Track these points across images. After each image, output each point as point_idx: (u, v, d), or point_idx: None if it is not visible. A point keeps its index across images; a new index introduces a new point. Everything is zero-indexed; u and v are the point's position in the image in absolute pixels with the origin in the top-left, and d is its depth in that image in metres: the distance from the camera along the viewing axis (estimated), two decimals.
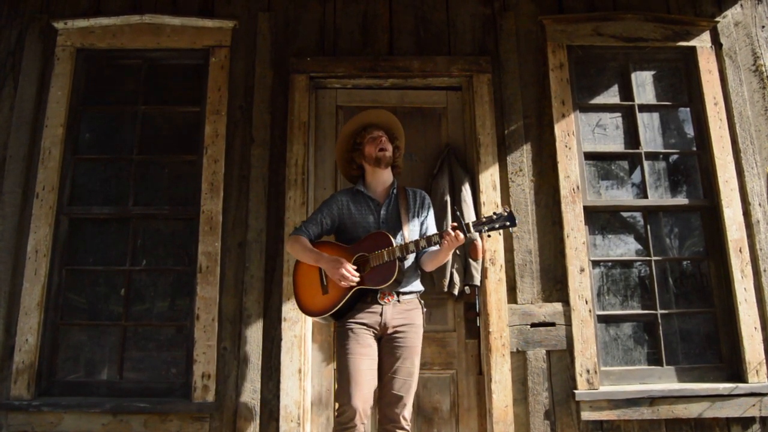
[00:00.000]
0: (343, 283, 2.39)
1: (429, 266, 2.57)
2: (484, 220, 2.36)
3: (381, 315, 2.46)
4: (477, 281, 3.02)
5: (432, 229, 2.67)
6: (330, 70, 3.30)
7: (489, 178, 3.16)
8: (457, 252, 3.03)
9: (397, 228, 2.56)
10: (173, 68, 3.43)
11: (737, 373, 3.03)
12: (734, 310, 3.05)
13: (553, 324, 3.01)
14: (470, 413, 3.06)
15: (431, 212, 2.71)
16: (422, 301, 2.60)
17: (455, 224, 2.34)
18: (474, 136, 3.23)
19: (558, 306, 3.03)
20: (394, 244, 2.41)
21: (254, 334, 2.99)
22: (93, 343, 3.12)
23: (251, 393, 2.93)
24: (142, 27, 3.34)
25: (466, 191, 3.11)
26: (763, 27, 3.44)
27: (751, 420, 2.93)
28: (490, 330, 2.97)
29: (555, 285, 3.07)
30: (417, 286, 2.60)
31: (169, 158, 3.31)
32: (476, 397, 3.07)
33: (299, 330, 2.97)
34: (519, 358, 2.98)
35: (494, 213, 2.34)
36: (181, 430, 2.87)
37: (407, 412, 2.42)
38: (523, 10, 3.42)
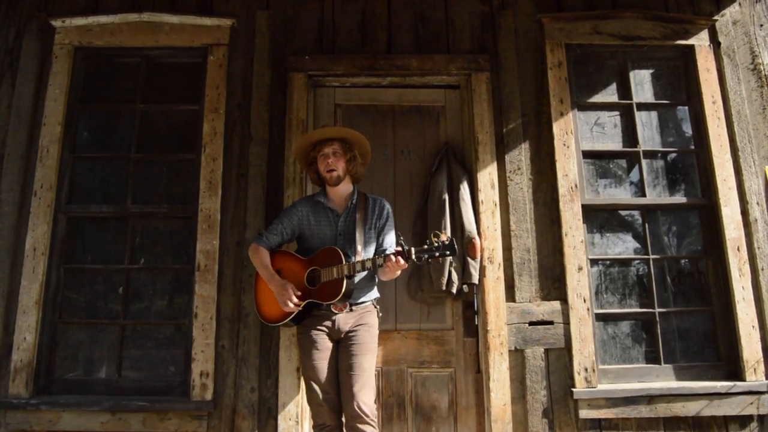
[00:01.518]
0: (285, 308, 2.50)
1: (383, 278, 2.63)
2: (425, 248, 2.39)
3: (333, 322, 2.56)
4: (475, 280, 3.02)
5: (389, 239, 2.70)
6: (328, 68, 3.30)
7: (487, 176, 3.16)
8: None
9: (352, 239, 2.61)
10: (171, 66, 3.42)
11: (735, 372, 3.03)
12: (732, 309, 3.06)
13: (551, 322, 3.01)
14: (468, 411, 3.06)
15: (390, 222, 2.73)
16: (378, 306, 2.69)
17: (399, 249, 2.39)
18: (472, 135, 3.23)
19: (556, 304, 3.03)
20: (343, 262, 2.47)
21: (252, 333, 2.99)
22: (91, 342, 3.12)
23: (249, 391, 2.93)
24: (141, 25, 3.33)
25: (465, 190, 3.11)
26: (761, 26, 3.45)
27: (749, 418, 2.94)
28: (489, 328, 2.98)
29: (553, 283, 3.07)
30: (371, 295, 2.68)
31: (168, 156, 3.31)
32: (474, 396, 3.07)
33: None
34: (517, 356, 2.98)
35: (437, 241, 2.37)
36: (179, 428, 2.87)
37: (366, 407, 2.42)
38: (521, 8, 3.41)
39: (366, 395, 2.45)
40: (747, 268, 3.08)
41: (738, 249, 3.10)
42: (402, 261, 2.38)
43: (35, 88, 3.25)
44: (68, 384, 3.04)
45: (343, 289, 2.44)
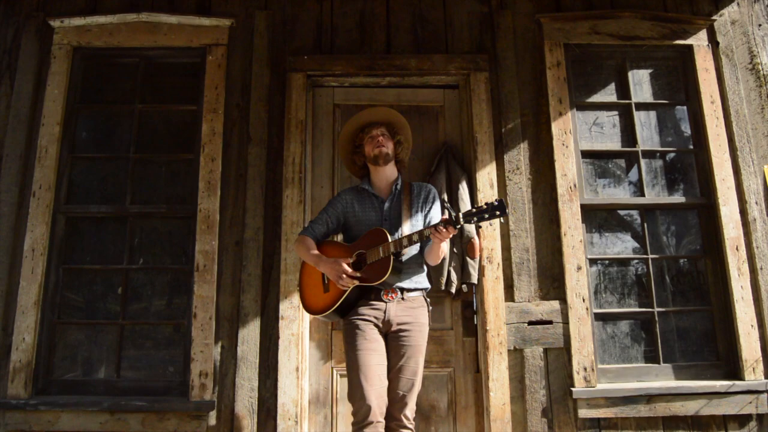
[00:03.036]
0: (340, 283, 2.41)
1: (429, 260, 2.57)
2: (474, 210, 2.31)
3: (385, 312, 2.47)
4: (474, 279, 3.02)
5: (436, 219, 2.62)
6: (327, 68, 3.30)
7: (486, 176, 3.16)
8: (455, 250, 3.04)
9: (399, 224, 2.57)
10: (170, 67, 3.43)
11: (734, 371, 3.03)
12: (731, 308, 3.06)
13: (550, 322, 3.02)
14: (468, 411, 3.06)
15: (436, 205, 2.68)
16: (428, 300, 2.60)
17: (446, 218, 2.33)
18: (471, 135, 3.23)
19: (555, 304, 3.03)
20: (389, 240, 2.41)
21: (252, 333, 2.99)
22: (90, 342, 3.11)
23: (249, 391, 2.93)
24: (139, 25, 3.33)
25: (464, 189, 3.11)
26: (760, 25, 3.45)
27: (747, 417, 2.94)
28: (488, 328, 2.98)
29: (552, 283, 3.07)
30: (422, 282, 2.58)
31: (166, 157, 3.31)
32: (474, 395, 3.07)
33: (297, 328, 2.97)
34: (516, 356, 2.99)
35: (485, 203, 2.30)
36: (178, 428, 2.87)
37: (410, 411, 2.41)
38: (520, 8, 3.42)
39: (412, 400, 2.42)
40: (746, 267, 3.08)
41: (737, 248, 3.10)
42: (451, 227, 2.29)
43: (34, 88, 3.25)
44: (67, 384, 3.04)
45: (390, 267, 2.36)
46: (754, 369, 2.98)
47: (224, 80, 3.26)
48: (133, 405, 2.87)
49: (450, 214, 2.32)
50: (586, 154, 3.32)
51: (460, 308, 3.15)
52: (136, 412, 2.87)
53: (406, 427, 2.40)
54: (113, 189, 3.26)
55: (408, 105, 3.37)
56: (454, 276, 3.02)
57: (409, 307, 2.51)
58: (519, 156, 3.22)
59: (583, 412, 2.90)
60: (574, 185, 3.15)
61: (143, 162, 3.30)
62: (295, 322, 2.96)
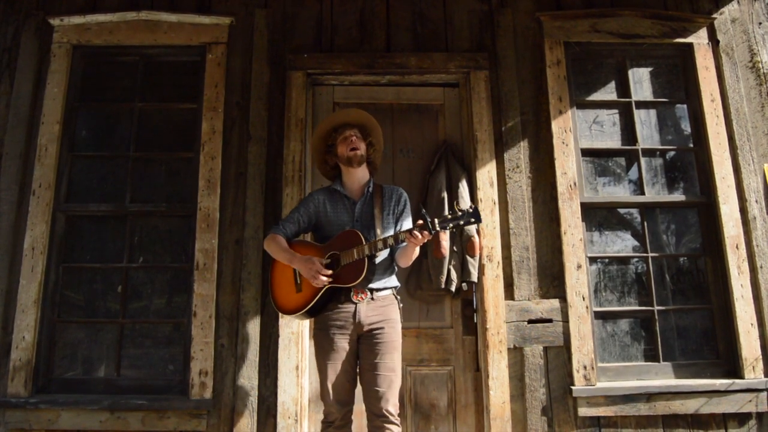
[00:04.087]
0: (315, 282, 2.42)
1: (402, 262, 2.59)
2: (449, 217, 2.35)
3: (354, 314, 2.48)
4: (474, 278, 3.02)
5: (408, 225, 2.66)
6: (327, 66, 3.30)
7: (486, 174, 3.16)
8: (454, 249, 3.04)
9: (370, 226, 2.58)
10: (170, 65, 3.42)
11: (734, 369, 3.04)
12: (731, 307, 3.06)
13: (550, 320, 3.02)
14: (467, 409, 3.06)
15: (407, 209, 2.70)
16: (398, 297, 2.62)
17: (421, 222, 2.35)
18: (471, 133, 3.23)
19: (555, 302, 3.03)
20: (364, 242, 2.43)
21: (252, 331, 2.99)
22: (90, 341, 3.11)
23: (249, 390, 2.93)
24: (139, 23, 3.33)
25: (464, 188, 3.11)
26: (760, 24, 3.45)
27: (747, 416, 2.94)
28: (488, 326, 2.98)
29: (552, 281, 3.07)
30: (391, 282, 2.61)
31: (166, 155, 3.31)
32: (473, 394, 3.07)
33: (296, 327, 2.97)
34: (516, 354, 2.99)
35: (459, 210, 2.34)
36: (178, 426, 2.87)
37: (392, 406, 2.43)
38: (520, 6, 3.41)
39: (393, 395, 2.44)
40: (746, 266, 3.08)
41: (737, 247, 3.10)
42: (426, 232, 2.32)
43: (33, 86, 3.25)
44: (67, 383, 3.04)
45: (365, 269, 2.39)
46: (753, 367, 2.98)
47: (224, 78, 3.26)
48: (133, 403, 2.87)
49: (426, 220, 2.33)
50: (586, 153, 3.32)
51: (460, 306, 3.15)
52: (136, 411, 2.87)
53: (391, 422, 2.42)
54: (113, 187, 3.26)
55: (408, 103, 3.37)
56: (454, 274, 3.02)
57: (380, 305, 2.53)
58: (519, 154, 3.22)
59: (583, 411, 2.91)
60: (574, 183, 3.15)
61: (143, 160, 3.29)
62: (295, 320, 2.96)
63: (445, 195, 3.09)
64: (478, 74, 3.28)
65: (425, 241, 2.37)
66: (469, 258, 3.02)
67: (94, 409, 2.86)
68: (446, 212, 2.30)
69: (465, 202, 3.06)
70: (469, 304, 3.14)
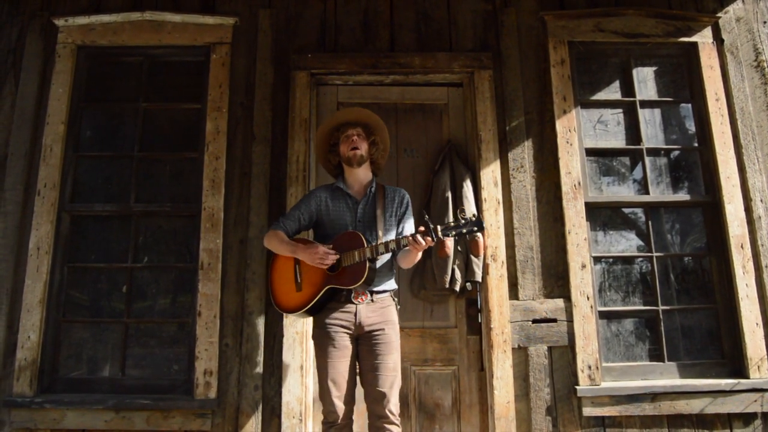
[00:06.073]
0: (325, 262, 2.43)
1: (404, 264, 2.61)
2: (452, 224, 2.37)
3: (355, 314, 2.49)
4: (478, 277, 3.02)
5: (409, 228, 2.66)
6: (331, 66, 3.30)
7: (490, 174, 3.16)
8: (459, 248, 3.04)
9: (372, 227, 2.58)
10: (174, 65, 3.43)
11: (739, 369, 3.03)
12: (736, 306, 3.05)
13: (554, 320, 3.01)
14: (472, 409, 3.06)
15: (410, 211, 2.71)
16: (396, 299, 2.63)
17: (423, 228, 2.36)
18: (475, 133, 3.22)
19: (559, 302, 3.03)
20: (365, 245, 2.43)
21: (256, 331, 2.99)
22: (95, 340, 3.12)
23: (253, 389, 2.94)
24: (143, 24, 3.34)
25: (468, 188, 3.11)
26: (765, 22, 3.44)
27: (752, 416, 2.93)
28: (492, 326, 2.98)
29: (556, 281, 3.07)
30: (391, 284, 2.62)
31: (171, 155, 3.31)
32: (478, 393, 3.07)
33: (301, 326, 2.97)
34: (520, 354, 2.98)
35: (463, 218, 2.36)
36: (183, 426, 2.88)
37: (394, 406, 2.44)
38: (524, 6, 3.41)
39: (393, 395, 2.45)
40: (751, 265, 3.07)
41: (742, 246, 3.09)
42: (429, 238, 2.34)
43: (38, 87, 3.26)
44: (72, 382, 3.04)
45: (366, 272, 2.40)
46: (759, 367, 2.97)
47: (228, 79, 3.26)
48: (137, 403, 2.88)
49: (429, 227, 2.35)
50: (591, 152, 3.31)
51: (464, 306, 3.15)
52: (141, 411, 2.88)
53: (392, 423, 2.43)
54: (118, 187, 3.27)
55: (412, 103, 3.38)
56: (458, 274, 3.02)
57: (379, 307, 2.54)
58: (523, 154, 3.22)
59: (588, 411, 2.90)
60: (579, 183, 3.14)
61: (148, 160, 3.30)
62: (300, 320, 2.96)
63: (449, 195, 3.09)
64: (482, 74, 3.28)
65: (428, 247, 2.39)
66: (473, 258, 3.02)
67: (99, 408, 2.87)
68: (450, 219, 2.33)
69: (469, 202, 3.06)
70: (473, 304, 3.13)
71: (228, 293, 3.04)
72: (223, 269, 3.06)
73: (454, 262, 3.02)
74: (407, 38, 3.38)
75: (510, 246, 3.10)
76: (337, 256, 2.45)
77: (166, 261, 3.21)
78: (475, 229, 2.35)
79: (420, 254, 2.52)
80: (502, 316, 2.99)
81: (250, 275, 3.05)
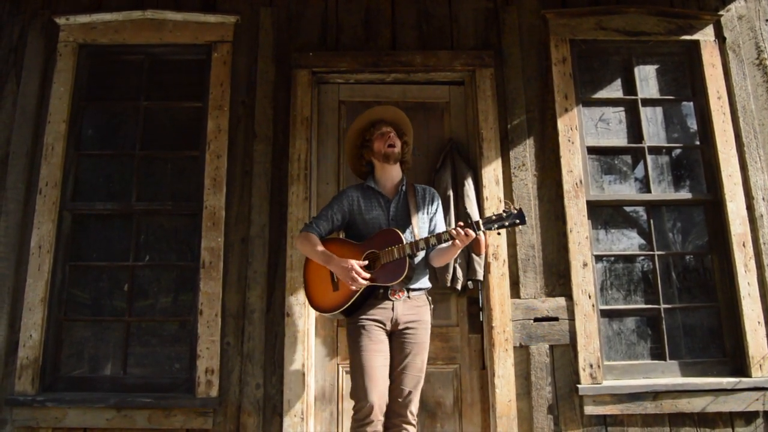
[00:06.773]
0: (354, 285, 2.40)
1: (437, 262, 2.60)
2: (494, 218, 2.38)
3: (392, 311, 2.48)
4: (480, 276, 3.02)
5: (441, 224, 2.67)
6: (332, 65, 3.29)
7: (492, 172, 3.15)
8: None
9: (406, 224, 2.58)
10: (175, 64, 3.42)
11: (741, 368, 3.02)
12: (738, 305, 3.05)
13: (556, 319, 3.01)
14: (473, 408, 3.06)
15: (440, 208, 2.72)
16: (430, 298, 2.62)
17: (462, 223, 2.36)
18: (477, 131, 3.22)
19: (561, 301, 3.03)
20: (404, 242, 2.42)
21: (257, 330, 2.99)
22: (97, 339, 3.12)
23: (255, 388, 2.94)
24: (144, 22, 3.33)
25: (469, 186, 3.10)
26: (767, 20, 3.43)
27: (754, 414, 2.93)
28: (493, 325, 2.97)
29: (558, 280, 3.07)
30: (425, 282, 2.62)
31: (172, 154, 3.31)
32: (479, 392, 3.07)
33: (302, 325, 2.97)
34: (522, 352, 2.98)
35: (504, 211, 2.36)
36: (184, 425, 2.88)
37: (414, 407, 2.44)
38: (525, 4, 3.41)
39: (416, 396, 2.45)
40: (753, 264, 3.07)
41: (743, 245, 3.09)
42: (472, 233, 2.34)
43: (40, 85, 3.26)
44: (74, 381, 3.04)
45: (407, 269, 2.38)
46: (761, 366, 2.97)
47: (229, 77, 3.26)
48: (139, 402, 2.88)
49: (470, 221, 2.35)
50: (592, 151, 3.31)
51: (465, 305, 3.14)
52: (143, 409, 2.88)
53: (410, 423, 2.42)
54: (119, 186, 3.27)
55: (413, 101, 3.37)
56: (459, 272, 3.01)
57: (415, 305, 2.53)
58: (525, 152, 3.21)
59: (589, 409, 2.90)
60: (580, 181, 3.14)
61: (149, 159, 3.30)
62: (301, 318, 2.97)
63: (450, 193, 3.08)
64: (484, 72, 3.28)
65: (470, 241, 2.38)
66: (474, 256, 3.02)
67: (101, 407, 2.87)
68: (491, 213, 2.34)
69: (471, 200, 3.06)
70: (474, 303, 3.13)
71: (229, 292, 3.04)
72: (225, 268, 3.06)
73: (455, 261, 3.02)
74: (409, 36, 3.37)
75: (511, 244, 3.10)
76: (369, 276, 2.41)
77: (168, 259, 3.21)
78: (518, 221, 2.34)
79: (458, 251, 2.50)
80: (504, 315, 2.99)
81: (251, 274, 3.05)
